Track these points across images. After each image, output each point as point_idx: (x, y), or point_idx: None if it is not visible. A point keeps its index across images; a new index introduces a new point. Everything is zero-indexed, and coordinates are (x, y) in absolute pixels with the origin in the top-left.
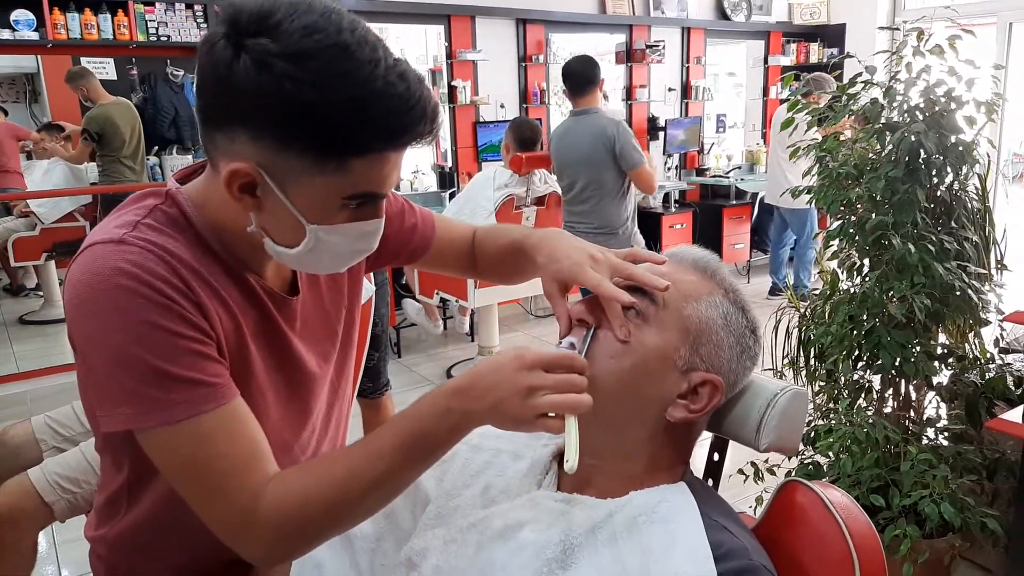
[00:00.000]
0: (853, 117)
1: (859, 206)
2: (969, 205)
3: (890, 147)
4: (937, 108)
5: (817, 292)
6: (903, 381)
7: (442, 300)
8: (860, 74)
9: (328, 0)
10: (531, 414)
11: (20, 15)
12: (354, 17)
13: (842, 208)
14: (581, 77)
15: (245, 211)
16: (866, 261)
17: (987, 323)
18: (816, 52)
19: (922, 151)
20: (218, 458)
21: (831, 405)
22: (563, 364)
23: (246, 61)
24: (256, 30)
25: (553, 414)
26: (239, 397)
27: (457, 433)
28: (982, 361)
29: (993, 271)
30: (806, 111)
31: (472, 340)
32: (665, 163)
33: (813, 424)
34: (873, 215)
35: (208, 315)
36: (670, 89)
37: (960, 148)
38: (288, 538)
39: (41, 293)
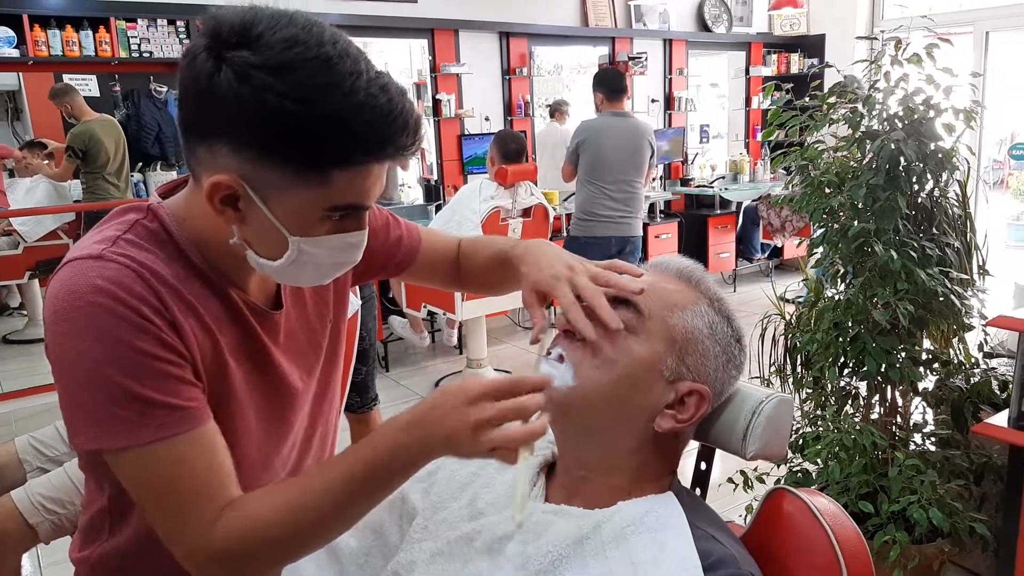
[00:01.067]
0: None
1: (841, 214)
2: (950, 211)
3: (870, 155)
4: (916, 116)
5: (802, 300)
6: (889, 387)
7: (430, 313)
8: (840, 83)
9: (309, 14)
10: (483, 449)
11: (0, 32)
12: (336, 30)
13: (824, 216)
14: (618, 83)
15: (227, 223)
16: (849, 268)
17: (971, 328)
18: (797, 62)
19: (902, 159)
20: (182, 481)
21: (818, 412)
22: (509, 391)
23: (227, 73)
24: (237, 42)
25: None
26: (210, 421)
27: (411, 466)
28: (967, 366)
29: (975, 276)
30: (790, 120)
31: (460, 353)
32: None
33: (801, 431)
34: (855, 222)
35: (183, 335)
36: (653, 100)
37: (940, 155)
38: (236, 564)
39: (25, 312)
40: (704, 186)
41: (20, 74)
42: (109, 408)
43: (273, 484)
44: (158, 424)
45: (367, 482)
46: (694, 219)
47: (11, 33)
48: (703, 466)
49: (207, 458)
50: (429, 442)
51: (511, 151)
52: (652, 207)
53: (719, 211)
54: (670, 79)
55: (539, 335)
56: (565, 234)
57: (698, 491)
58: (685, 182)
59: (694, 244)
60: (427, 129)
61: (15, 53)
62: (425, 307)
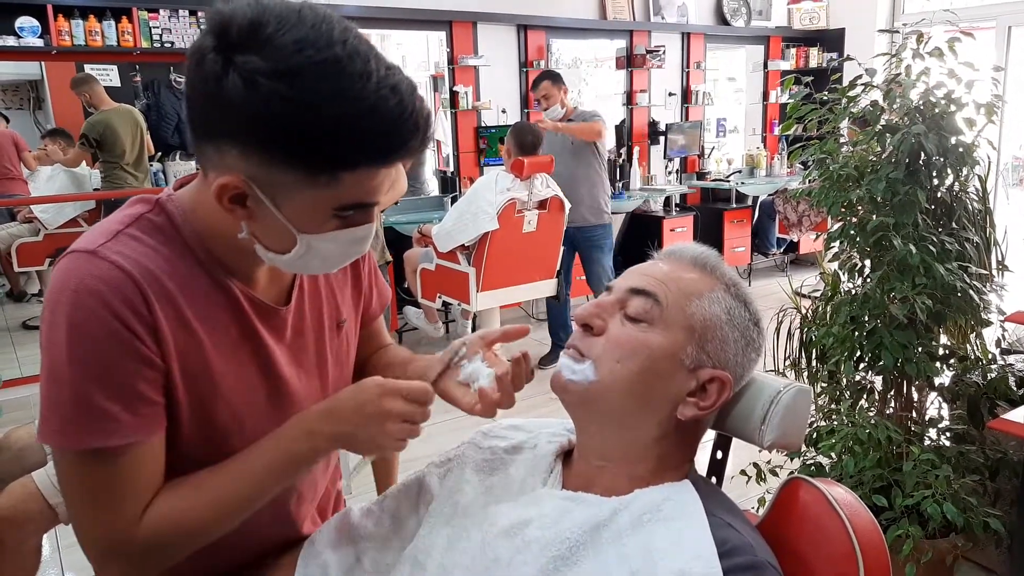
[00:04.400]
0: (851, 121)
1: (860, 208)
2: (970, 206)
3: (890, 148)
4: (937, 110)
5: (819, 294)
6: (905, 382)
7: (444, 304)
8: (860, 76)
9: (320, 7)
10: (389, 439)
11: (25, 22)
12: (346, 26)
13: (843, 209)
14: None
15: (236, 220)
16: (867, 262)
17: (988, 323)
18: (816, 56)
19: (922, 153)
20: (111, 489)
21: (833, 406)
22: (418, 397)
23: (234, 78)
24: (246, 44)
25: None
26: (154, 437)
27: (317, 454)
28: (984, 362)
29: (994, 272)
30: (809, 113)
31: None
32: (666, 167)
33: (815, 425)
34: (874, 216)
35: (161, 339)
36: (670, 94)
37: (960, 149)
38: (157, 559)
39: (43, 298)
40: (720, 180)
41: (43, 64)
42: (63, 405)
43: (183, 482)
44: (101, 431)
45: (280, 470)
46: (710, 213)
47: (35, 23)
48: (719, 455)
49: (141, 472)
50: (339, 428)
51: (528, 143)
52: (668, 200)
53: (735, 205)
54: (688, 72)
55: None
56: None
57: (714, 480)
58: (701, 176)
59: (710, 238)
60: (444, 122)
61: (39, 43)
62: (440, 297)
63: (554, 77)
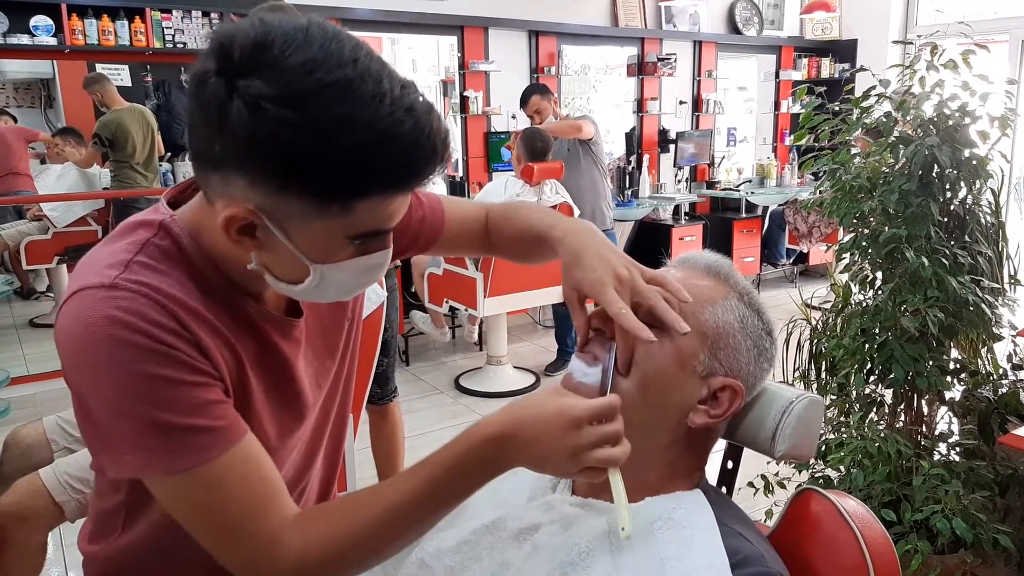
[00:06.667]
0: (863, 131)
1: (872, 219)
2: (982, 219)
3: (904, 160)
4: (951, 123)
5: (829, 305)
6: (915, 395)
7: (451, 309)
8: (874, 87)
9: (329, 24)
10: (576, 469)
11: (39, 21)
12: (356, 43)
13: (855, 221)
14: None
15: (245, 251)
16: (879, 274)
17: (1000, 338)
18: (828, 67)
19: (936, 165)
20: (231, 502)
21: (842, 419)
22: (607, 415)
23: (239, 105)
24: (250, 68)
25: None
26: (247, 435)
27: (489, 479)
28: (995, 377)
29: (1006, 286)
30: (822, 123)
31: (480, 349)
32: (676, 175)
33: (824, 438)
34: (886, 228)
35: (210, 354)
36: (681, 102)
37: (974, 162)
38: None
39: (51, 295)
40: (730, 189)
41: (55, 62)
42: (138, 439)
43: (336, 502)
44: (191, 450)
45: (445, 496)
46: (719, 222)
47: (49, 22)
48: (730, 465)
49: (252, 474)
50: (518, 459)
51: (537, 149)
52: (677, 209)
53: (745, 215)
54: (699, 81)
55: (585, 340)
56: None
57: (724, 490)
58: (711, 185)
59: (719, 247)
60: (454, 127)
61: (53, 41)
62: (447, 302)
63: (541, 90)
